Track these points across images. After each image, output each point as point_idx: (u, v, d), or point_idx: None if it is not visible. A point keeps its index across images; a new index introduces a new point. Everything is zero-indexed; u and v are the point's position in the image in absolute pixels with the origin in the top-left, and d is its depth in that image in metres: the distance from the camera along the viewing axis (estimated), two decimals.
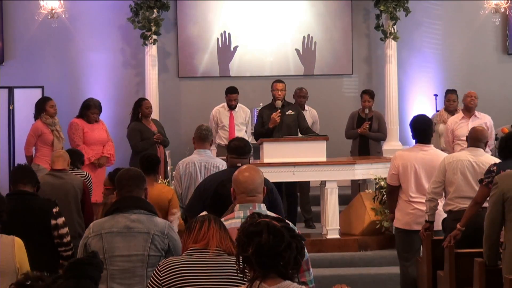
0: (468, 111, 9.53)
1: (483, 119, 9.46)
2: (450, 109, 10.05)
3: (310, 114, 10.25)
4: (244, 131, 10.25)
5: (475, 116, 9.50)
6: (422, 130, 6.99)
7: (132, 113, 9.59)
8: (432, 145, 7.09)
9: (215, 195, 4.95)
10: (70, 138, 9.26)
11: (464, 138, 8.93)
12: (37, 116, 9.24)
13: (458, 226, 6.24)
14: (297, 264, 2.85)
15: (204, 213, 4.19)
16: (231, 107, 10.24)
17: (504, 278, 5.37)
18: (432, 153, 6.98)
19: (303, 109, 10.01)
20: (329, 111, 11.70)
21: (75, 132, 9.22)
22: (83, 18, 11.78)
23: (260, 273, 2.83)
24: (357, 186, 9.64)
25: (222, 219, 3.96)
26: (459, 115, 9.59)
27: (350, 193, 9.79)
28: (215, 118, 10.24)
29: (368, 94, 10.00)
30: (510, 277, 5.23)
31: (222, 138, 10.12)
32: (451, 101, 10.07)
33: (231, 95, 10.20)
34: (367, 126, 9.80)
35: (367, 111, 9.90)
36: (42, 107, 9.18)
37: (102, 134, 9.44)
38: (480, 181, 6.17)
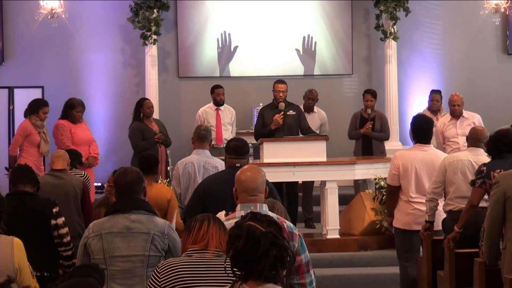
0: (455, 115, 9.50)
1: (471, 119, 9.41)
2: (433, 109, 10.17)
3: (319, 115, 10.26)
4: (230, 131, 10.26)
5: (463, 116, 9.46)
6: (423, 130, 6.99)
7: (133, 113, 9.57)
8: (431, 145, 7.09)
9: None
10: (58, 139, 9.10)
11: (454, 139, 9.21)
12: (27, 114, 9.14)
13: (455, 228, 6.23)
14: (275, 271, 2.82)
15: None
16: (218, 104, 10.23)
17: (504, 278, 5.37)
18: (432, 153, 6.98)
19: (312, 110, 10.03)
20: (329, 111, 11.66)
21: (63, 133, 9.09)
22: (83, 18, 11.78)
23: (242, 275, 2.82)
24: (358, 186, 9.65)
25: (223, 219, 3.95)
26: (447, 117, 9.57)
27: (354, 193, 9.76)
28: (202, 119, 10.21)
29: (370, 93, 9.98)
30: (510, 277, 5.23)
31: None
32: (434, 101, 10.19)
33: (218, 90, 10.24)
34: (370, 126, 9.79)
35: (369, 110, 9.89)
36: (35, 110, 9.09)
37: (88, 134, 9.37)
38: (472, 183, 6.14)
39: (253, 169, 4.14)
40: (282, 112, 9.17)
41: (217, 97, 10.23)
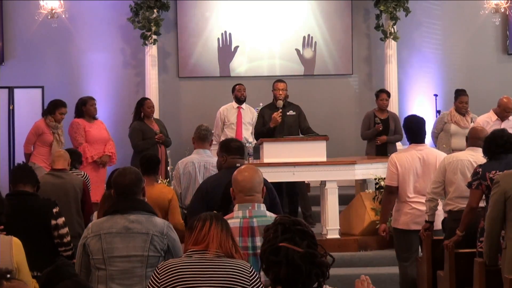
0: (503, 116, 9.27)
1: None
2: (462, 112, 9.66)
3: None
4: (250, 131, 10.27)
5: (508, 119, 9.26)
6: (415, 130, 6.99)
7: (134, 112, 9.59)
8: (426, 144, 7.07)
9: (224, 196, 4.96)
10: (72, 137, 9.26)
11: None
12: (44, 114, 9.28)
13: (457, 232, 6.23)
14: (319, 285, 2.82)
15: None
16: (240, 101, 10.25)
17: (504, 278, 5.37)
18: (428, 152, 6.97)
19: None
20: (329, 111, 11.71)
21: (77, 131, 9.22)
22: (83, 18, 11.78)
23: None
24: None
25: None
26: (492, 115, 9.30)
27: (354, 193, 9.74)
28: (222, 117, 10.26)
29: (385, 93, 9.88)
30: (510, 277, 5.23)
31: (228, 136, 10.10)
32: (463, 103, 9.65)
33: (239, 86, 10.34)
34: (381, 129, 9.74)
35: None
36: (52, 110, 9.18)
37: (103, 132, 9.47)
38: (469, 185, 6.12)
39: (250, 169, 4.15)
40: (281, 110, 9.16)
41: (239, 93, 10.28)
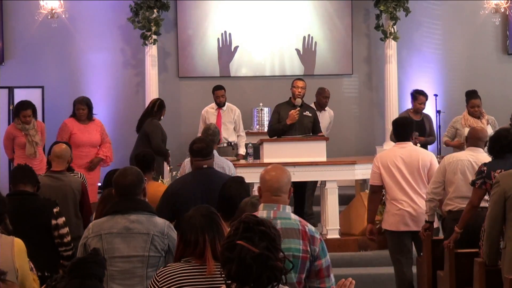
0: None
1: None
2: (475, 115, 9.24)
3: (329, 114, 10.37)
4: (231, 130, 10.27)
5: None
6: (400, 128, 7.02)
7: (156, 110, 9.50)
8: (410, 142, 7.05)
9: (221, 198, 4.96)
10: (56, 138, 9.19)
11: None
12: (13, 118, 9.34)
13: (456, 229, 6.23)
14: (271, 286, 2.85)
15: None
16: (219, 105, 10.26)
17: (504, 278, 5.38)
18: (411, 149, 6.96)
19: (324, 109, 10.05)
20: None
21: (61, 132, 9.27)
22: (83, 18, 11.77)
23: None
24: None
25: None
26: None
27: (354, 193, 9.72)
28: (204, 118, 10.30)
29: (424, 96, 9.62)
30: (510, 277, 5.23)
31: None
32: (475, 107, 9.25)
33: (218, 92, 10.29)
34: (418, 138, 9.14)
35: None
36: (16, 113, 9.22)
37: (94, 135, 9.35)
38: (473, 183, 6.13)
39: (277, 169, 4.05)
40: (298, 108, 9.07)
41: (217, 99, 10.29)
